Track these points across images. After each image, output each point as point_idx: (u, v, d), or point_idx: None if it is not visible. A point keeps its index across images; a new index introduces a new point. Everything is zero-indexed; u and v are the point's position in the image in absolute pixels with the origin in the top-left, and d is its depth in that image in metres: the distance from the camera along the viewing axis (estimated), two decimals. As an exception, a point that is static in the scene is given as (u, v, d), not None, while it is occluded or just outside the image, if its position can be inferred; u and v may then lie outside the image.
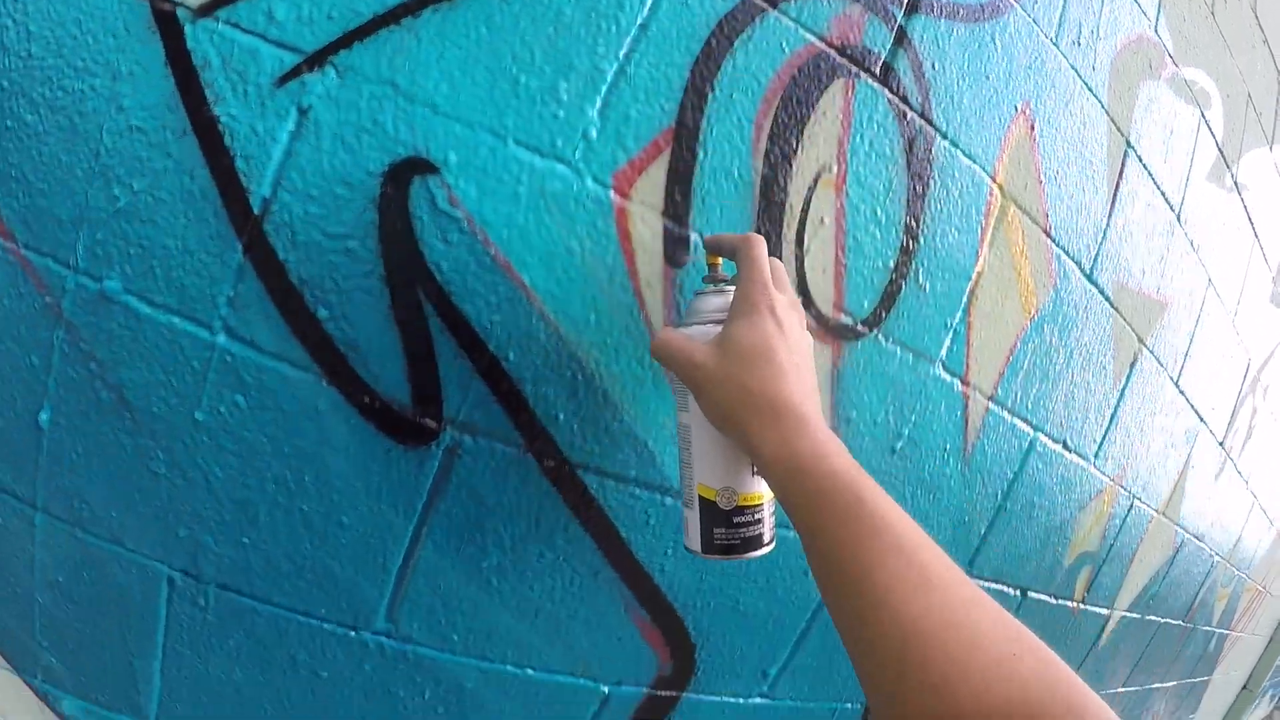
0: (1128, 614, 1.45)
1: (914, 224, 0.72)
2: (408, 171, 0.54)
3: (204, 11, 0.53)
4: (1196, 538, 1.58)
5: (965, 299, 0.78)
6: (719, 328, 0.47)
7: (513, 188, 0.56)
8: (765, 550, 0.52)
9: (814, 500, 0.41)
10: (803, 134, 0.64)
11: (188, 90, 0.52)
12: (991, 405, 0.86)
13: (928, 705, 0.34)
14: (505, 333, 0.58)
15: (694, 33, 0.59)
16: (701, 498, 0.50)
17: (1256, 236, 1.41)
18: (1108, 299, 0.99)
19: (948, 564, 0.39)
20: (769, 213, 0.63)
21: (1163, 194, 1.06)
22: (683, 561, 0.70)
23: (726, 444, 0.48)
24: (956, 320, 0.78)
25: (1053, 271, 0.88)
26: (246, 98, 0.53)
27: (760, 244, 0.48)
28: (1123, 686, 1.68)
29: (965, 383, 0.82)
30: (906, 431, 0.79)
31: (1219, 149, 1.21)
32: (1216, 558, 1.79)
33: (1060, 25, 0.84)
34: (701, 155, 0.60)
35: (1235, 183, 1.29)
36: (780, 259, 0.63)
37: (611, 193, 0.59)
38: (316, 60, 0.53)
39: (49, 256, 0.55)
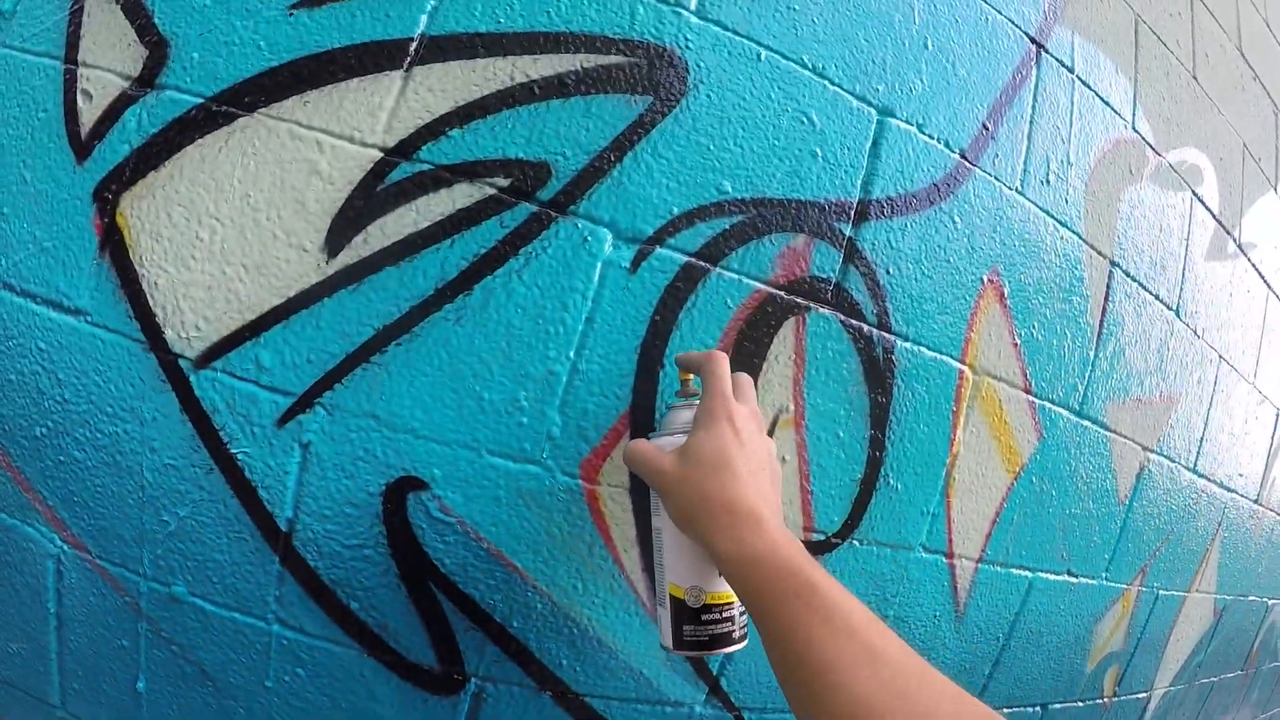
0: (1172, 688, 1.43)
1: (879, 436, 0.74)
2: (402, 489, 0.62)
3: (202, 362, 0.62)
4: (1241, 596, 1.54)
5: (942, 484, 0.80)
6: (685, 438, 0.51)
7: (493, 492, 0.63)
8: (736, 647, 0.55)
9: (767, 589, 0.43)
10: (757, 384, 0.67)
11: (205, 433, 0.62)
12: (981, 565, 0.87)
13: None
14: (507, 606, 0.65)
15: (638, 315, 0.63)
16: (672, 596, 0.54)
17: (1269, 287, 1.36)
18: (1102, 425, 0.98)
19: (900, 645, 0.41)
20: None
21: (1156, 297, 1.04)
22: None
23: (692, 545, 0.51)
24: (934, 505, 0.80)
25: (1037, 424, 0.89)
26: (255, 438, 0.61)
27: (722, 361, 0.52)
28: (1179, 744, 1.65)
29: (949, 555, 0.84)
30: (891, 613, 0.81)
31: (1217, 220, 1.18)
32: (1271, 601, 1.73)
33: (1025, 170, 0.84)
34: (658, 434, 0.64)
35: (1239, 246, 1.25)
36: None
37: (580, 481, 0.64)
38: (306, 402, 0.61)
39: (121, 567, 0.65)
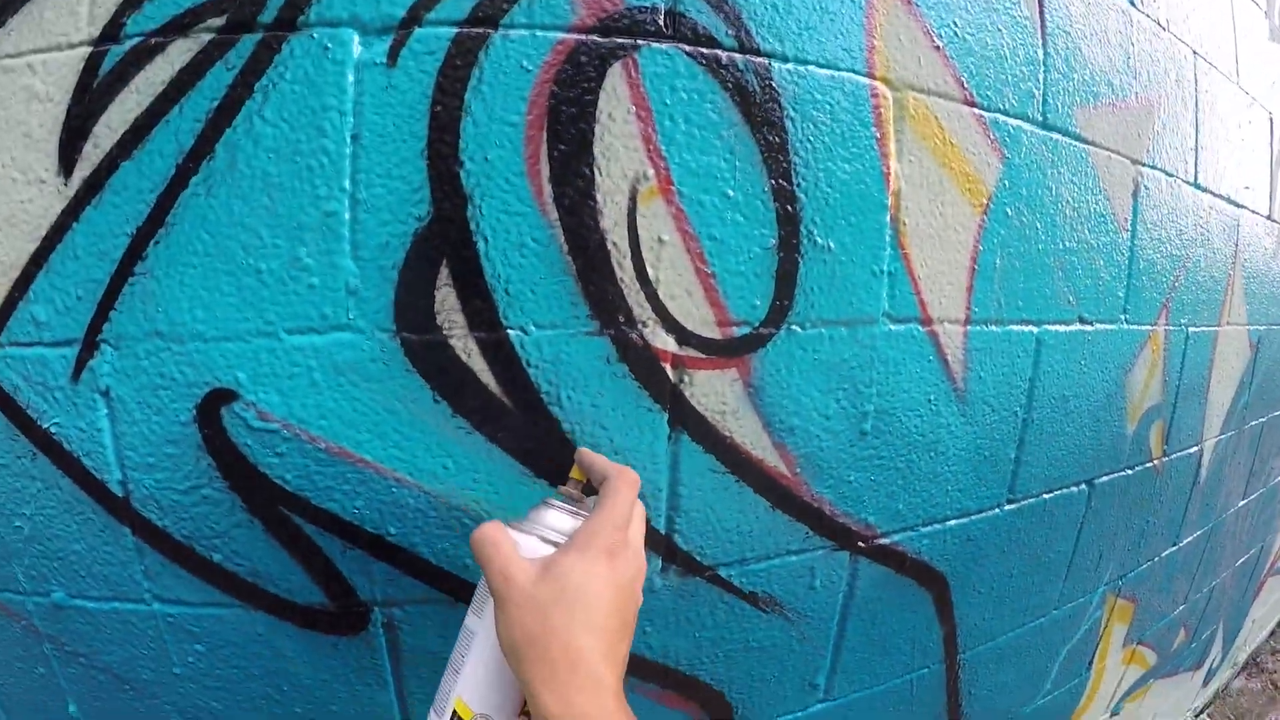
0: (1222, 436, 1.30)
1: (784, 185, 0.58)
2: (214, 406, 0.51)
3: None
4: (1275, 325, 1.39)
5: (889, 231, 0.64)
6: (552, 549, 0.42)
7: (307, 377, 0.50)
8: None
9: None
10: (592, 153, 0.51)
11: (15, 417, 0.53)
12: (969, 328, 0.72)
13: None
14: (375, 512, 0.53)
15: (413, 113, 0.48)
16: (456, 713, 0.42)
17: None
18: (1075, 136, 0.81)
19: None
20: (589, 267, 0.51)
21: (1106, -23, 0.85)
22: (670, 632, 0.62)
23: (507, 672, 0.41)
24: (886, 262, 0.64)
25: (994, 142, 0.72)
26: (59, 403, 0.52)
27: (632, 485, 0.45)
28: (1243, 499, 1.54)
29: (924, 322, 0.68)
30: (870, 407, 0.66)
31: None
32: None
33: None
34: (482, 244, 0.49)
35: (1197, -83, 1.05)
36: (626, 308, 0.51)
37: (405, 334, 0.49)
38: (90, 344, 0.51)
39: (5, 590, 0.59)
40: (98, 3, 0.50)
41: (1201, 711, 1.84)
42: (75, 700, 0.63)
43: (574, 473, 0.47)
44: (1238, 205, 1.15)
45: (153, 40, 0.49)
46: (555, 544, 0.42)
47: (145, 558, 0.55)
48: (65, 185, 0.51)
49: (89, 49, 0.50)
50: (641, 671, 0.62)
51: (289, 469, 0.51)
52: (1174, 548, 1.21)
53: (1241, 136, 1.17)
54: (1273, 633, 2.28)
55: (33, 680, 0.63)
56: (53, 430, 0.53)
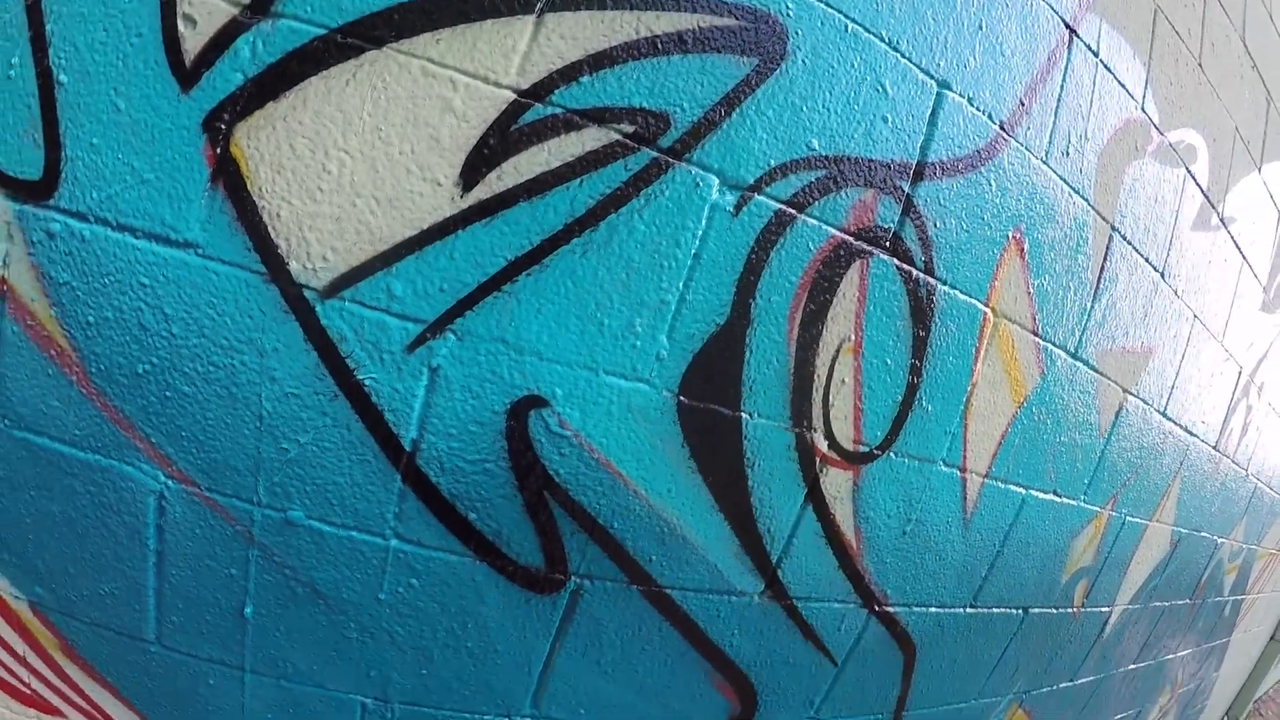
0: (1130, 607, 1.73)
1: (918, 364, 0.94)
2: (525, 407, 0.77)
3: (330, 292, 0.69)
4: (1195, 531, 1.84)
5: (962, 408, 1.01)
6: None
7: (606, 408, 0.80)
8: None
9: None
10: (826, 316, 0.85)
11: (330, 361, 0.69)
12: (987, 480, 1.10)
13: None
14: (609, 509, 0.84)
15: (737, 253, 0.81)
16: None
17: (1245, 259, 1.61)
18: (1092, 367, 1.21)
19: None
20: (799, 388, 0.86)
21: (1146, 260, 1.26)
22: (745, 638, 0.96)
23: None
24: (954, 426, 1.01)
25: (1040, 362, 1.10)
26: (383, 363, 0.70)
27: None
28: (1134, 664, 1.98)
29: (963, 470, 1.06)
30: (914, 516, 1.03)
31: (1205, 195, 1.40)
32: (1220, 540, 2.05)
33: (1050, 142, 1.03)
34: (748, 354, 0.82)
35: (1221, 219, 1.49)
36: (810, 418, 0.85)
37: (680, 397, 0.82)
38: (437, 328, 0.71)
39: (233, 497, 0.74)
40: (531, 60, 0.66)
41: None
42: (255, 604, 0.75)
43: None
44: (1191, 434, 1.59)
45: (575, 117, 0.69)
46: None
47: (405, 502, 0.72)
48: (461, 197, 0.68)
49: (513, 95, 0.66)
50: (720, 665, 0.95)
51: (564, 466, 0.80)
52: (1070, 683, 1.63)
53: (1211, 383, 1.60)
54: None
55: (217, 579, 0.75)
56: (366, 382, 0.68)
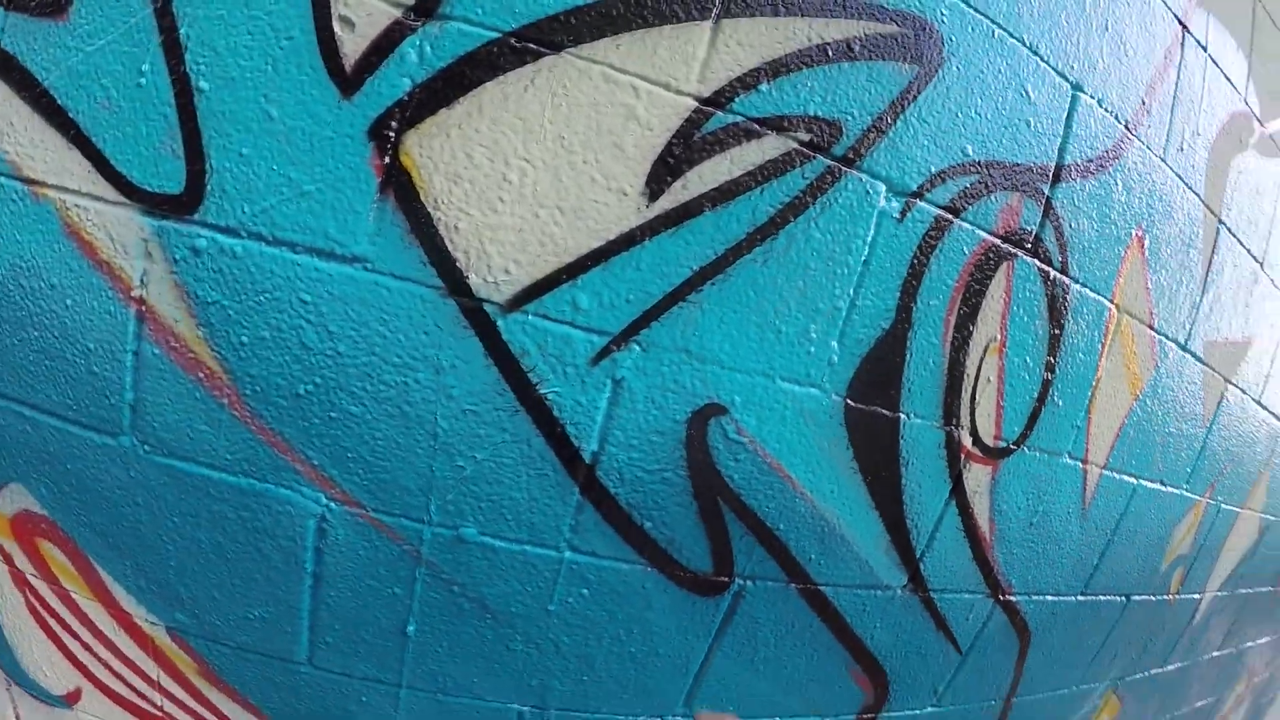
0: (1219, 594, 1.76)
1: (1052, 361, 0.98)
2: (705, 415, 0.80)
3: (513, 306, 0.68)
4: None
5: (1087, 402, 1.05)
6: None
7: (780, 413, 0.85)
8: None
9: None
10: (977, 317, 0.90)
11: (512, 376, 0.68)
12: (1104, 472, 1.15)
13: None
14: (777, 511, 0.88)
15: (901, 258, 0.85)
16: None
17: (1337, 248, 1.62)
18: (1199, 359, 1.24)
19: None
20: (951, 387, 0.91)
21: (1248, 250, 1.29)
22: (885, 630, 1.01)
23: None
24: (1080, 420, 1.05)
25: (1155, 355, 1.14)
26: (567, 377, 0.70)
27: None
28: (1217, 651, 2.01)
29: (1085, 462, 1.10)
30: (1041, 508, 1.08)
31: (1302, 184, 1.42)
32: (1299, 526, 2.07)
33: (1168, 139, 1.07)
34: (908, 356, 0.87)
35: (1317, 207, 1.50)
36: (959, 415, 0.90)
37: (847, 400, 0.87)
38: (623, 339, 0.72)
39: (401, 516, 0.74)
40: (711, 67, 0.66)
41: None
42: (419, 621, 0.75)
43: None
44: (1280, 422, 1.60)
45: (755, 125, 0.70)
46: None
47: (582, 514, 0.72)
48: (647, 207, 0.68)
49: (694, 103, 0.66)
50: (859, 656, 1.00)
51: (738, 472, 0.84)
52: (1160, 669, 1.66)
53: (1298, 370, 1.63)
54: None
55: (379, 598, 0.73)
56: (549, 397, 0.68)
